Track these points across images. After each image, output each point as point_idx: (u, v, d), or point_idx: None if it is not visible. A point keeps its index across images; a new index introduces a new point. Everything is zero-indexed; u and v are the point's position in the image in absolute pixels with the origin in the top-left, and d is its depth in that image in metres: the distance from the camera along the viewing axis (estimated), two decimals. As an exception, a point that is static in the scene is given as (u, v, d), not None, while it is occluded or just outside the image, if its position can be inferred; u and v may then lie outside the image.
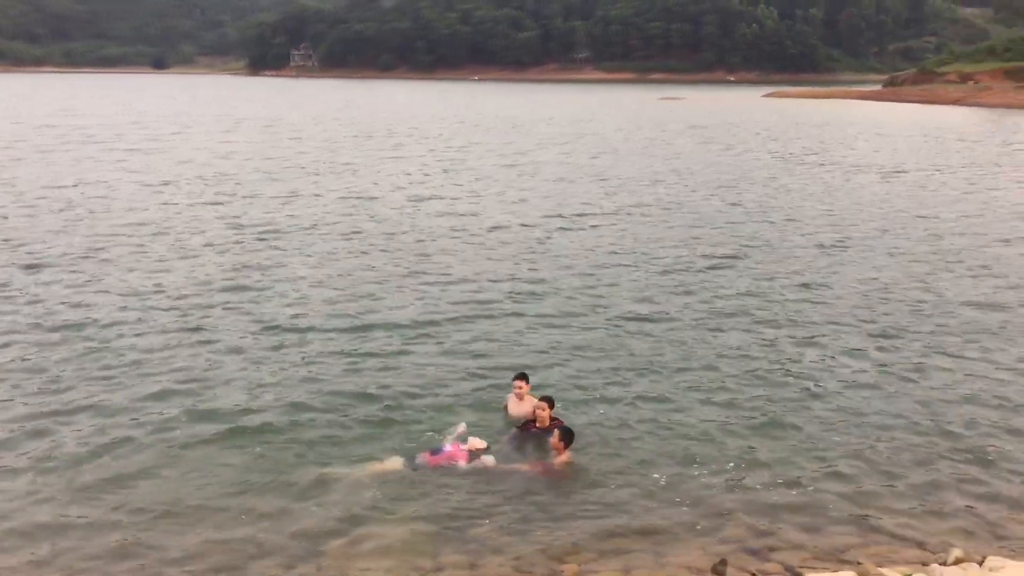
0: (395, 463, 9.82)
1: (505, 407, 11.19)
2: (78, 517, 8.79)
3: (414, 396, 11.83)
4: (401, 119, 68.76)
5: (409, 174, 34.72)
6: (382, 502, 9.15)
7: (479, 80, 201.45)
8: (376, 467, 9.77)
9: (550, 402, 10.60)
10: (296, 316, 15.23)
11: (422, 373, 12.63)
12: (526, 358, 13.32)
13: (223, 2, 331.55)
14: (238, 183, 31.35)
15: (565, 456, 9.89)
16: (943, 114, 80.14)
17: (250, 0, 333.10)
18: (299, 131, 56.02)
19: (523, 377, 11.14)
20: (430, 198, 28.45)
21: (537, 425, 10.48)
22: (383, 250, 20.69)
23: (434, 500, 9.21)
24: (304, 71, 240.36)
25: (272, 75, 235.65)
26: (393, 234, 22.62)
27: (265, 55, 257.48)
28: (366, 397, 11.75)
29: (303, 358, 13.19)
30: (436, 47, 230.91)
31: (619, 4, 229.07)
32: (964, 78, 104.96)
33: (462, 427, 10.41)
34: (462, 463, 9.76)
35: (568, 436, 9.95)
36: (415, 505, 9.10)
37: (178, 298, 16.24)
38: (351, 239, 21.99)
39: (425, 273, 18.41)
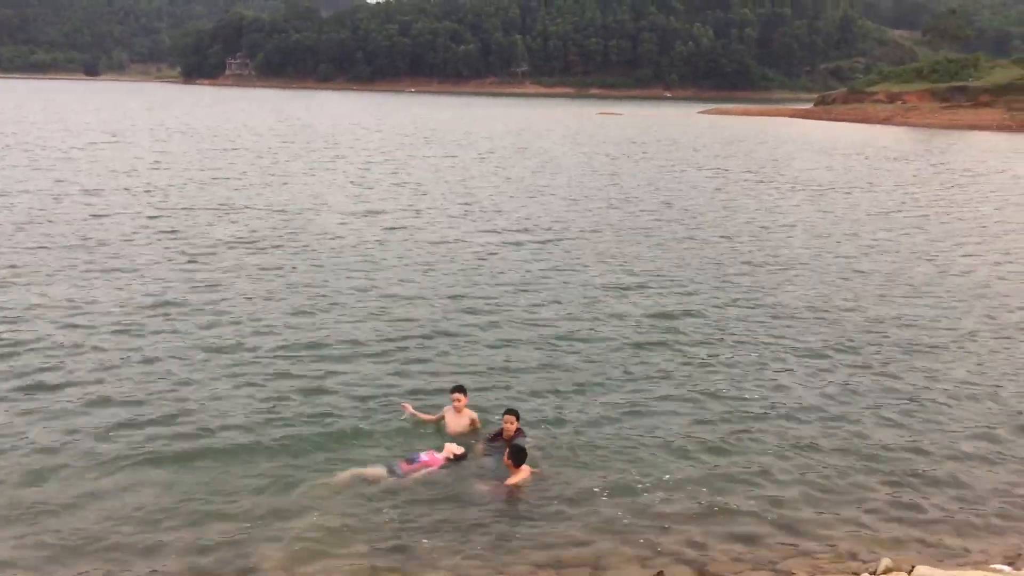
0: (375, 471, 9.89)
1: (440, 419, 11.15)
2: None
3: (343, 414, 11.73)
4: (340, 130, 68.16)
5: (349, 187, 34.32)
6: (330, 513, 9.13)
7: (414, 92, 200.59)
8: (356, 474, 9.82)
9: (515, 414, 10.73)
10: (237, 333, 14.91)
11: (358, 391, 12.48)
12: (465, 374, 13.30)
13: (158, 9, 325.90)
14: (173, 195, 30.61)
15: (516, 473, 9.79)
16: (873, 133, 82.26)
17: (185, 7, 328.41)
18: (234, 141, 55.07)
19: (461, 389, 11.14)
20: (371, 212, 28.11)
21: (504, 436, 10.58)
22: (319, 265, 20.28)
23: (382, 512, 9.21)
24: (241, 80, 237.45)
25: (207, 84, 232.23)
26: (332, 249, 22.26)
27: (201, 63, 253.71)
28: (317, 414, 11.61)
29: (244, 373, 12.99)
30: (375, 58, 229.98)
31: (558, 20, 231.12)
32: (892, 98, 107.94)
33: (449, 446, 10.43)
34: (438, 469, 9.91)
35: (517, 455, 9.86)
36: (360, 516, 9.10)
37: (115, 315, 15.76)
38: (290, 254, 21.49)
39: (366, 289, 18.10)
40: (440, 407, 11.41)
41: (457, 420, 11.03)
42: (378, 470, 9.92)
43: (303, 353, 13.88)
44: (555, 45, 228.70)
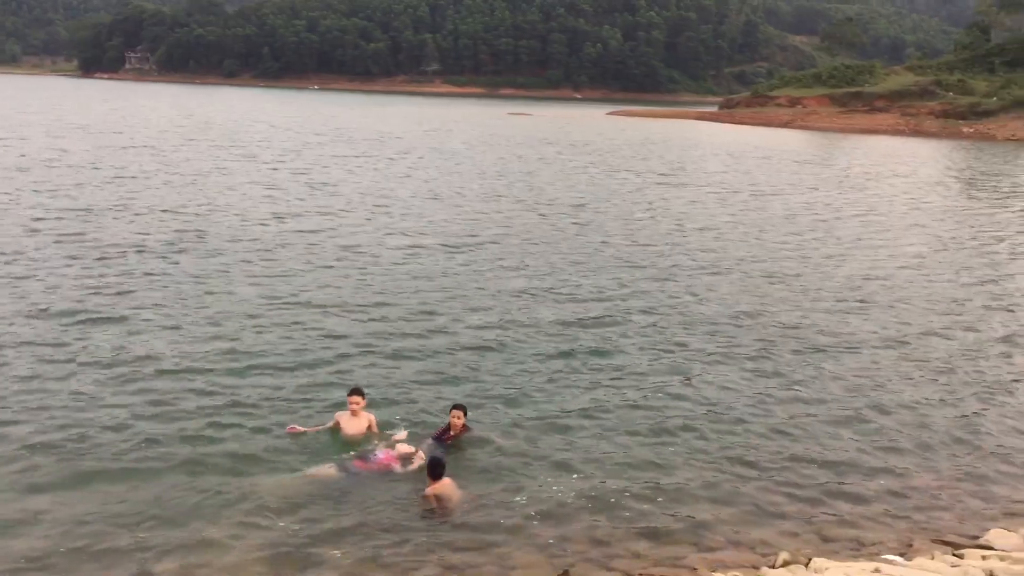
0: (328, 470, 9.91)
1: (336, 424, 10.92)
2: None
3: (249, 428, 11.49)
4: (248, 128, 66.44)
5: (258, 189, 33.21)
6: (252, 516, 9.10)
7: (318, 89, 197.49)
8: (309, 475, 9.84)
9: (463, 409, 10.81)
10: (146, 345, 14.35)
11: (264, 403, 12.19)
12: (375, 384, 13.16)
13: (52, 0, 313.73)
14: (71, 194, 29.35)
15: (434, 485, 9.61)
16: (776, 136, 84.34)
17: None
18: (135, 138, 53.10)
19: (359, 392, 11.02)
20: (281, 215, 27.22)
21: (452, 433, 10.66)
22: (226, 271, 19.46)
23: (294, 516, 9.14)
24: (141, 74, 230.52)
25: (106, 77, 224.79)
26: (242, 253, 21.49)
27: (99, 56, 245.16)
28: (225, 424, 11.32)
29: (154, 388, 12.56)
30: (282, 55, 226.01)
31: (469, 19, 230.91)
32: (793, 102, 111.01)
33: (401, 434, 10.61)
34: (396, 467, 10.01)
35: (432, 468, 9.65)
36: (267, 521, 9.02)
37: (19, 326, 15.07)
38: (197, 259, 20.61)
39: (277, 297, 17.42)
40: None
41: (354, 423, 10.87)
42: (330, 470, 9.92)
43: (214, 364, 13.37)
44: (465, 44, 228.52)
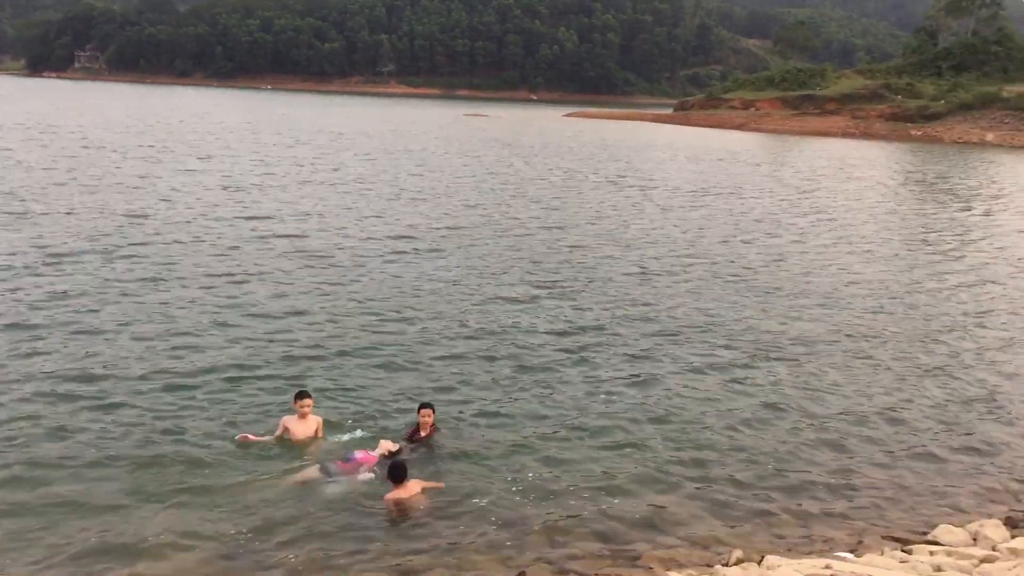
0: (311, 472, 9.92)
1: (285, 429, 10.76)
2: None
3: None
4: (202, 129, 65.35)
5: (216, 192, 32.49)
6: (205, 522, 9.02)
7: (271, 89, 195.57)
8: (291, 478, 9.86)
9: (432, 408, 10.86)
10: (96, 351, 14.02)
11: (228, 410, 12.09)
12: (332, 389, 13.08)
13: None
14: (21, 197, 28.61)
15: (396, 489, 9.55)
16: (731, 138, 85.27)
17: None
18: (88, 138, 52.01)
19: (309, 395, 10.95)
20: (240, 219, 26.53)
21: (422, 433, 10.73)
22: (184, 277, 18.95)
23: (254, 522, 9.06)
24: (91, 73, 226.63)
25: (55, 77, 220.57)
26: (201, 258, 21.06)
27: (47, 55, 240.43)
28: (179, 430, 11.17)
29: (112, 393, 12.33)
30: (235, 54, 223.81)
31: (425, 20, 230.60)
32: (746, 105, 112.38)
33: (384, 443, 10.46)
34: (375, 467, 10.01)
35: (393, 472, 9.58)
36: (229, 525, 8.95)
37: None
38: (157, 264, 19.98)
39: (233, 301, 17.05)
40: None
41: (304, 427, 10.78)
42: (312, 472, 9.93)
43: (167, 370, 13.12)
44: (421, 45, 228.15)
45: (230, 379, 12.85)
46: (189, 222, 25.28)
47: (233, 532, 8.84)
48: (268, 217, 26.90)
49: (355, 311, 16.85)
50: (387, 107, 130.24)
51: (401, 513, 9.40)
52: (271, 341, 14.71)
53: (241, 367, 13.37)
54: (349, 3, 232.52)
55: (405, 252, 22.75)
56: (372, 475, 9.95)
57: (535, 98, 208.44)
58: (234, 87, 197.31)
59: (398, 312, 16.90)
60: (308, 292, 18.12)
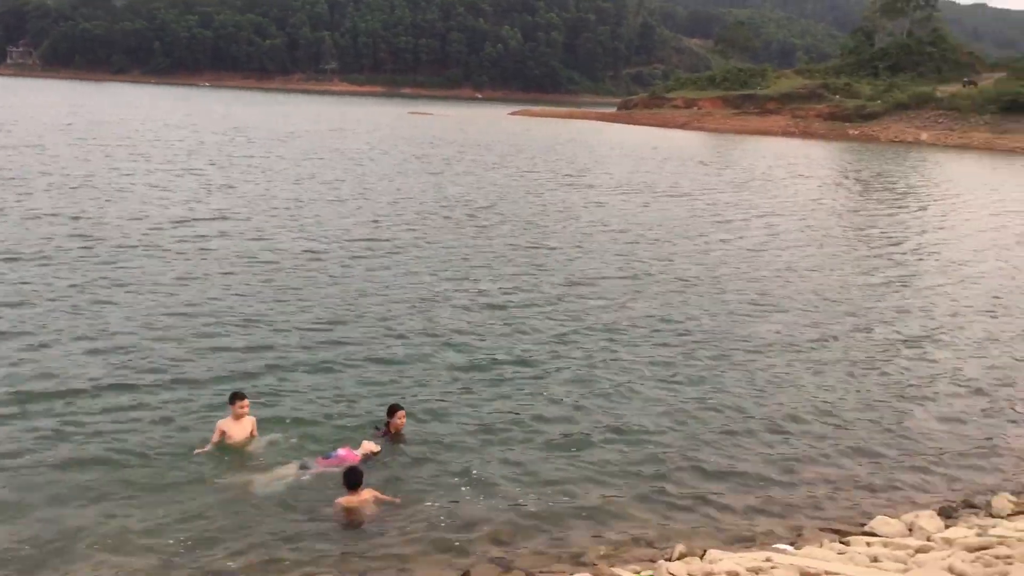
0: (287, 470, 10.01)
1: (223, 432, 10.60)
2: None
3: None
4: (140, 127, 63.64)
5: (153, 190, 31.60)
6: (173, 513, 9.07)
7: (209, 86, 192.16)
8: (268, 474, 9.92)
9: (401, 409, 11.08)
10: (34, 360, 13.54)
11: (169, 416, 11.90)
12: (272, 389, 12.90)
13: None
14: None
15: (350, 495, 9.46)
16: (675, 137, 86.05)
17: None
18: (17, 137, 50.08)
19: (244, 395, 10.83)
20: (178, 219, 25.82)
21: (393, 431, 10.90)
22: (117, 280, 18.40)
23: (200, 526, 9.00)
24: (24, 70, 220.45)
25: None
26: (134, 260, 20.53)
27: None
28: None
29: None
30: (174, 50, 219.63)
31: (368, 17, 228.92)
32: (689, 104, 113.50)
33: (367, 444, 10.53)
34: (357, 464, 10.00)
35: (347, 477, 9.48)
36: (165, 530, 8.83)
37: None
38: (88, 267, 19.40)
39: (173, 305, 16.61)
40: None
41: (240, 428, 10.67)
42: (290, 468, 10.02)
43: (108, 378, 12.75)
44: (364, 43, 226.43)
45: (170, 383, 12.63)
46: (128, 224, 24.65)
47: (171, 539, 8.70)
48: (213, 218, 26.29)
49: (301, 313, 16.63)
50: (330, 105, 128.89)
51: (349, 518, 9.33)
52: (215, 347, 14.44)
53: (182, 371, 13.15)
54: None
55: (354, 254, 22.44)
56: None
57: (480, 96, 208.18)
58: (172, 84, 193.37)
59: (343, 314, 16.76)
60: (254, 294, 17.85)
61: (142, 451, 10.43)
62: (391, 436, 10.91)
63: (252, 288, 18.30)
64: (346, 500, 9.42)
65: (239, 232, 24.28)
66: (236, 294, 17.71)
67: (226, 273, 19.50)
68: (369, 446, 10.42)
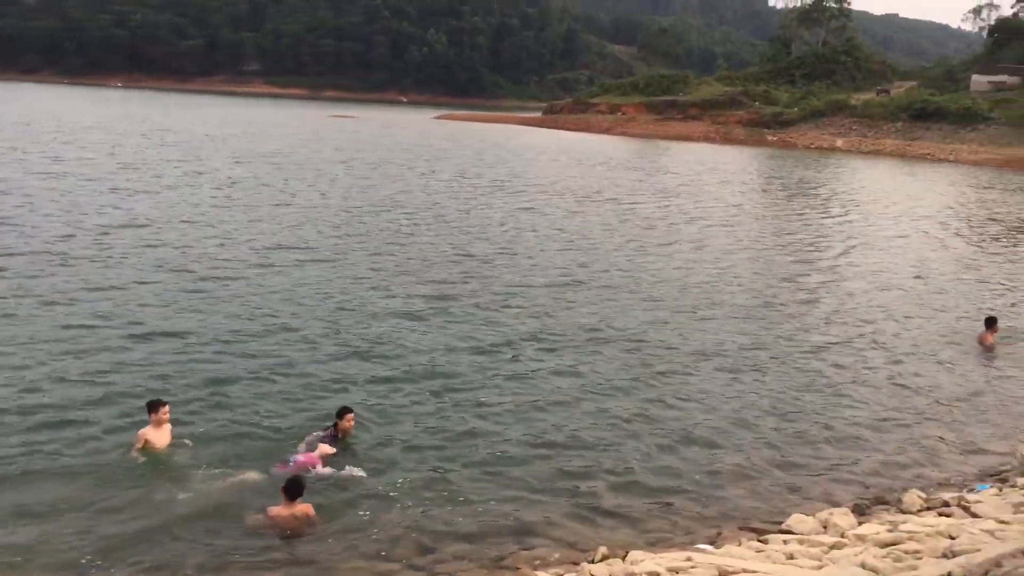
0: (252, 475, 10.07)
1: (146, 440, 10.48)
2: None
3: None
4: (56, 128, 61.21)
5: (67, 196, 30.37)
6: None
7: (122, 87, 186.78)
8: (232, 479, 9.95)
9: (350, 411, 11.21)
10: None
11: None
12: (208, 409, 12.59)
13: None
14: None
15: (287, 505, 9.32)
16: (600, 142, 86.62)
17: None
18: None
19: (165, 403, 10.75)
20: (94, 227, 24.79)
21: (340, 433, 10.98)
22: (27, 292, 17.74)
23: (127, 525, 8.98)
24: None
25: None
26: (47, 269, 19.71)
27: None
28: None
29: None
30: (88, 50, 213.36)
31: (290, 19, 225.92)
32: (613, 109, 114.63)
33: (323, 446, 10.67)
34: (319, 468, 10.24)
35: (290, 489, 9.32)
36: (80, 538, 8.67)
37: None
38: (6, 279, 18.69)
39: (103, 319, 15.96)
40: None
41: (160, 435, 10.60)
42: (253, 474, 10.09)
43: (17, 394, 12.31)
44: (287, 44, 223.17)
45: (84, 397, 12.31)
46: (39, 232, 23.66)
47: (86, 551, 8.55)
48: (136, 226, 25.31)
49: (221, 322, 16.26)
50: (251, 107, 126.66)
51: (276, 528, 9.21)
52: (129, 360, 14.10)
53: (107, 382, 12.85)
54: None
55: (275, 261, 21.82)
56: (329, 471, 10.29)
57: (404, 100, 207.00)
58: (86, 85, 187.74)
59: (266, 323, 16.45)
60: (178, 303, 17.33)
61: (59, 465, 10.19)
62: (338, 438, 10.93)
63: (170, 298, 17.75)
64: (279, 510, 9.29)
65: (157, 240, 23.47)
66: (154, 304, 17.16)
67: (154, 282, 18.83)
68: (325, 448, 10.54)
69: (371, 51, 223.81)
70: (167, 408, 10.66)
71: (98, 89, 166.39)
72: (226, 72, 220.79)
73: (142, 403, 11.24)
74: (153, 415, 10.57)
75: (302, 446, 10.75)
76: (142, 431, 10.57)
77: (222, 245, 23.25)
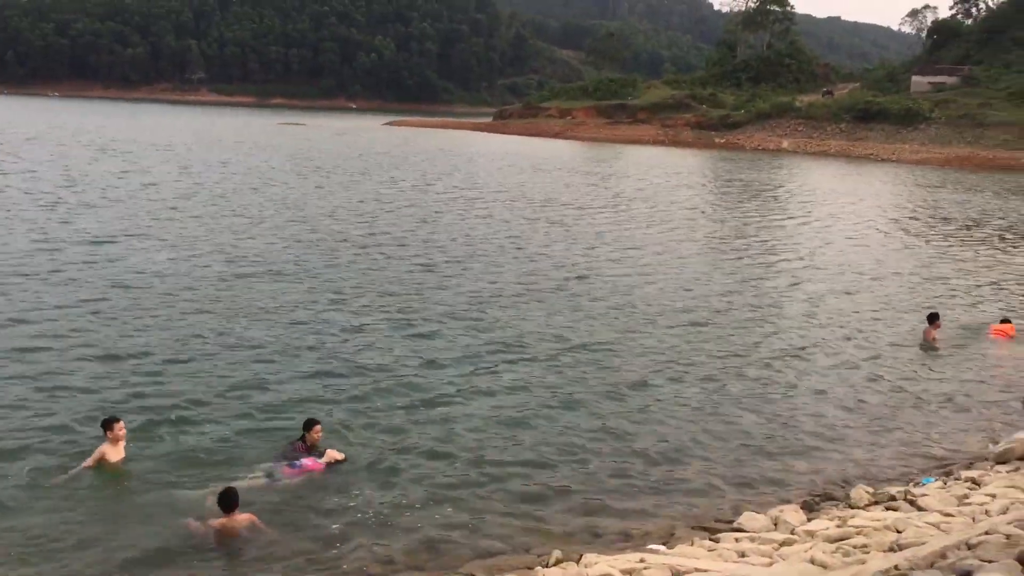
0: (257, 480, 10.21)
1: (103, 455, 10.37)
2: None
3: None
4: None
5: (16, 209, 29.42)
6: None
7: (59, 96, 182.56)
8: (187, 495, 9.92)
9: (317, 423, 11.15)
10: None
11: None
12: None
13: None
14: None
15: (225, 517, 9.23)
16: (551, 146, 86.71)
17: None
18: None
19: (118, 419, 10.66)
20: (32, 243, 24.16)
21: (309, 445, 10.90)
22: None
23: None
24: None
25: None
26: (14, 287, 19.25)
27: None
28: None
29: None
30: (28, 59, 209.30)
31: (236, 26, 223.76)
32: (563, 113, 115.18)
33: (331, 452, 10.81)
34: (319, 473, 10.41)
35: (224, 501, 9.23)
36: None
37: None
38: None
39: (55, 340, 15.69)
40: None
41: (116, 451, 10.52)
42: (258, 479, 10.21)
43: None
44: (233, 52, 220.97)
45: (46, 412, 12.10)
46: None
47: (37, 563, 8.47)
48: (83, 242, 24.37)
49: (182, 340, 15.82)
50: (198, 116, 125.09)
51: (220, 540, 9.11)
52: (95, 378, 13.86)
53: (61, 401, 12.60)
54: (153, 7, 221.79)
55: (232, 276, 21.12)
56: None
57: (354, 106, 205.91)
58: (27, 95, 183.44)
59: (225, 339, 16.10)
60: (129, 321, 16.81)
61: (10, 485, 10.04)
62: (307, 450, 10.87)
63: (121, 316, 17.17)
64: (220, 522, 9.18)
65: (105, 256, 22.70)
66: (106, 323, 16.61)
67: (103, 299, 18.25)
68: (333, 454, 10.73)
69: (319, 58, 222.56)
70: (122, 424, 10.60)
71: (36, 99, 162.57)
72: (171, 80, 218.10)
73: (97, 421, 11.03)
74: (108, 432, 10.49)
75: (271, 464, 10.65)
76: (101, 447, 10.47)
77: (173, 260, 22.56)
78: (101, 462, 10.37)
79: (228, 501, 9.21)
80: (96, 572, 8.47)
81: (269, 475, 10.34)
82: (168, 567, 8.62)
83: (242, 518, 9.24)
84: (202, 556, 8.88)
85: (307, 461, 10.52)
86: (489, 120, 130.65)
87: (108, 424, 10.54)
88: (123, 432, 10.59)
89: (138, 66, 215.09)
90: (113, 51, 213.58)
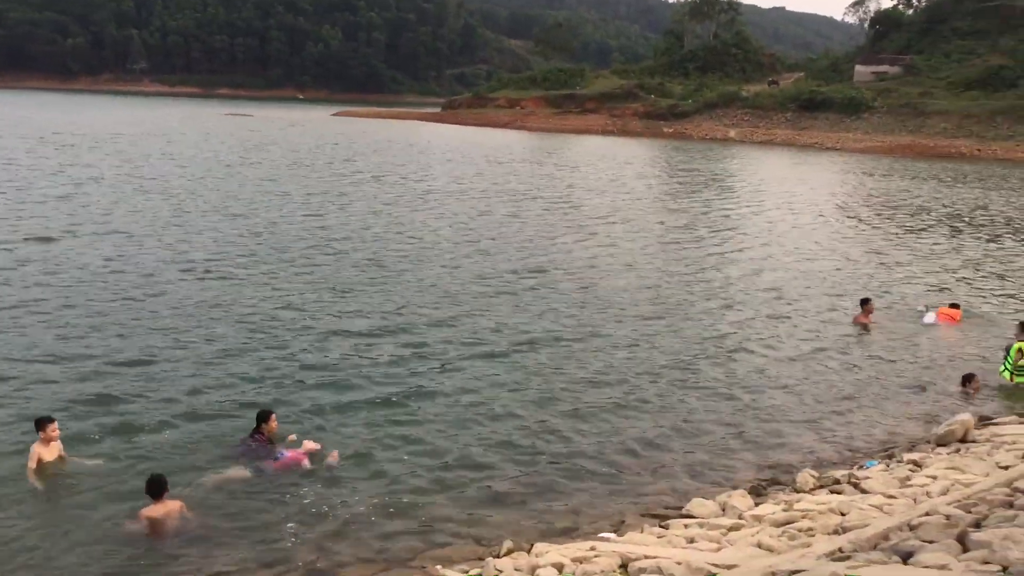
0: (239, 472, 10.27)
1: (38, 461, 10.16)
2: None
3: None
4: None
5: None
6: None
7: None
8: (219, 477, 10.09)
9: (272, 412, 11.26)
10: None
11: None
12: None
13: None
14: None
15: (155, 504, 9.15)
16: (500, 137, 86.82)
17: None
18: None
19: (52, 420, 10.45)
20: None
21: (267, 435, 10.99)
22: None
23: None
24: None
25: None
26: None
27: None
28: None
29: None
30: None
31: (178, 15, 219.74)
32: (512, 103, 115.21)
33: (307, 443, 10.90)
34: (305, 463, 10.48)
35: (152, 487, 9.15)
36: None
37: None
38: None
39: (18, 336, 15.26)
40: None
41: (50, 451, 10.32)
42: (242, 472, 10.27)
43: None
44: (176, 41, 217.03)
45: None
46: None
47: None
48: (25, 239, 23.75)
49: (129, 341, 15.42)
50: (140, 107, 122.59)
51: (154, 530, 9.01)
52: (38, 381, 13.58)
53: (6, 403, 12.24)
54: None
55: (178, 277, 20.43)
56: (307, 464, 10.50)
57: (302, 97, 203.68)
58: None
59: (175, 339, 15.78)
60: (76, 322, 16.35)
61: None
62: (269, 441, 10.90)
63: (65, 317, 16.68)
64: (150, 511, 9.10)
65: (53, 256, 21.99)
66: (49, 324, 16.26)
67: (60, 297, 17.82)
68: (309, 445, 10.78)
69: (266, 47, 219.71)
70: (55, 425, 10.38)
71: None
72: (113, 71, 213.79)
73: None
74: (41, 432, 10.29)
75: (238, 458, 10.63)
76: (34, 446, 10.25)
77: (121, 256, 22.00)
78: (39, 461, 10.18)
79: (156, 487, 9.14)
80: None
81: (256, 469, 10.34)
82: (97, 564, 8.54)
83: (173, 504, 9.18)
84: (135, 551, 8.76)
85: (288, 453, 10.52)
86: (438, 111, 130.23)
87: (41, 424, 10.33)
88: (56, 433, 10.36)
89: (79, 56, 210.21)
90: (52, 41, 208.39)
